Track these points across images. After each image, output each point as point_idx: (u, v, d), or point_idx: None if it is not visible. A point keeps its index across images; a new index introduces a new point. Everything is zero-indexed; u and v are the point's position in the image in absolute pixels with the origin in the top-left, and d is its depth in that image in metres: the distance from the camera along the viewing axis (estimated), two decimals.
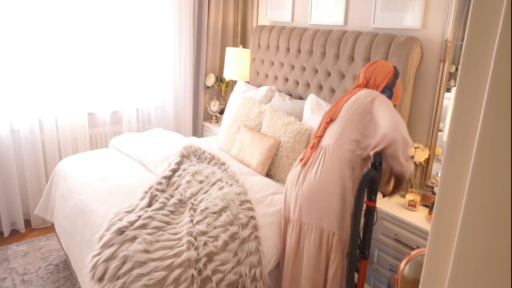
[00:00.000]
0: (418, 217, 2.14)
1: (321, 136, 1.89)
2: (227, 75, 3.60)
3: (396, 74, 1.93)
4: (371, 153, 1.72)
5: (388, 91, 1.90)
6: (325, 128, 1.89)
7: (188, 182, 2.20)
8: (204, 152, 2.52)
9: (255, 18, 3.62)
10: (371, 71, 1.92)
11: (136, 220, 1.87)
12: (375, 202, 1.69)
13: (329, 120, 1.88)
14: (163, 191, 2.14)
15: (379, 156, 1.67)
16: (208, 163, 2.44)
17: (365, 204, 1.68)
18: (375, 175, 1.61)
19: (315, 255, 1.79)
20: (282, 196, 2.06)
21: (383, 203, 2.25)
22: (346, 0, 2.73)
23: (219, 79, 3.87)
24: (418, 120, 2.39)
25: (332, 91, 2.76)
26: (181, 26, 3.54)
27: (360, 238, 1.74)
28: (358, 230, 1.64)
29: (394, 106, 1.95)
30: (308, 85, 2.96)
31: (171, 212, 1.99)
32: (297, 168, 1.93)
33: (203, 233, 1.80)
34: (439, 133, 2.30)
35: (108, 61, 3.30)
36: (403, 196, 2.38)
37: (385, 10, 2.48)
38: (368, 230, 1.70)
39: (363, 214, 1.68)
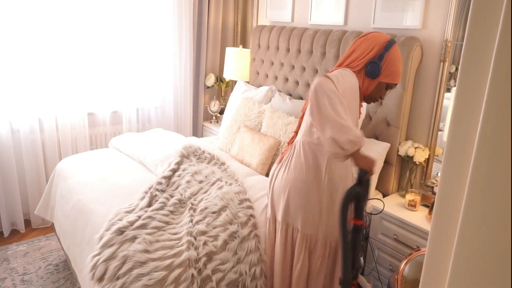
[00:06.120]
0: (418, 217, 2.14)
1: (296, 132, 1.81)
2: (227, 75, 3.60)
3: (386, 46, 1.55)
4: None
5: (373, 65, 1.54)
6: (299, 124, 1.81)
7: (188, 182, 2.20)
8: (204, 152, 2.52)
9: (255, 18, 3.62)
10: (356, 44, 1.59)
11: (136, 220, 1.87)
12: (362, 219, 1.49)
13: (302, 115, 1.79)
14: (163, 191, 2.14)
15: (364, 171, 1.43)
16: (208, 163, 2.44)
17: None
18: (360, 191, 1.44)
19: (282, 251, 1.75)
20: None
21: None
22: (346, 0, 2.73)
23: (219, 79, 3.87)
24: (418, 120, 2.39)
25: None
26: (181, 26, 3.54)
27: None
28: (349, 251, 1.44)
29: (391, 85, 1.64)
30: (308, 85, 2.96)
31: (171, 212, 1.99)
32: (274, 165, 1.87)
33: (203, 232, 1.80)
34: (439, 133, 2.30)
35: (108, 61, 3.30)
36: (403, 196, 2.38)
37: (385, 10, 2.48)
38: (356, 250, 1.50)
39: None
